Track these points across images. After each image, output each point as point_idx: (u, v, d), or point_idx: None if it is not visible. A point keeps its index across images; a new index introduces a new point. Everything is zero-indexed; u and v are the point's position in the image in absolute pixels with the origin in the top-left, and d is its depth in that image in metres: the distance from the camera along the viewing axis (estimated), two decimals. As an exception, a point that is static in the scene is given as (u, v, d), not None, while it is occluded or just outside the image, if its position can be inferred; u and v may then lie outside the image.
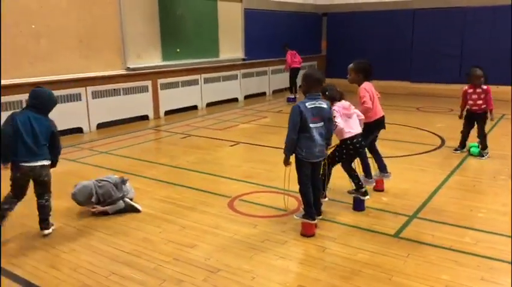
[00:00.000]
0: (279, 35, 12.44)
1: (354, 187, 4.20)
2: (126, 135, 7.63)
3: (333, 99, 4.05)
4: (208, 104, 10.52)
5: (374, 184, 4.55)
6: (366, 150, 4.46)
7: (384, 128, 4.60)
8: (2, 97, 6.45)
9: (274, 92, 12.74)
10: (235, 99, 11.40)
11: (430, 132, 7.38)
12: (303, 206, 3.73)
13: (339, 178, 4.43)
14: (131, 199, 4.24)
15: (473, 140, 5.95)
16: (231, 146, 6.83)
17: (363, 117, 4.23)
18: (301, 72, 10.45)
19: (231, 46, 11.24)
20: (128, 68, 8.52)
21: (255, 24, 11.72)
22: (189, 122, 8.79)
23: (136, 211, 4.18)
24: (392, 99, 11.16)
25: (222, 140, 7.19)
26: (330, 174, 4.23)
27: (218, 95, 10.80)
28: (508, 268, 3.13)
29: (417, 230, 3.76)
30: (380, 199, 4.44)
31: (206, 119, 9.20)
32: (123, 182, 4.23)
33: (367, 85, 4.34)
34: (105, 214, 4.10)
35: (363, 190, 4.16)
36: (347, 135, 4.03)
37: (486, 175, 5.22)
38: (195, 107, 10.18)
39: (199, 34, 10.14)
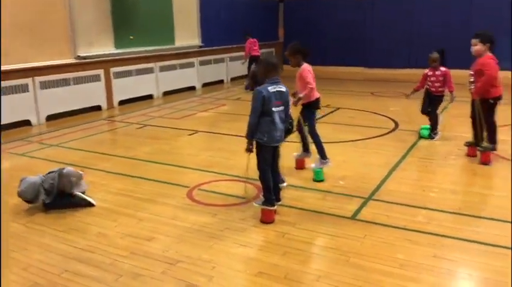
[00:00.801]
0: (236, 22, 12.31)
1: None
2: (78, 126, 7.33)
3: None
4: (165, 93, 10.29)
5: (330, 164, 4.62)
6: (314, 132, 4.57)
7: (320, 108, 4.70)
8: None
9: (233, 79, 12.64)
10: (193, 88, 11.23)
11: (384, 116, 7.56)
12: (262, 193, 3.73)
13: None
14: (83, 193, 4.08)
15: (425, 122, 6.14)
16: (189, 135, 6.73)
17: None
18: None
19: (187, 33, 11.01)
20: (79, 56, 8.16)
21: (211, 11, 11.53)
22: (145, 111, 8.57)
23: (90, 205, 4.03)
24: (347, 85, 11.39)
25: (180, 129, 7.07)
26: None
27: (175, 84, 10.57)
28: (458, 244, 3.26)
29: (373, 211, 3.85)
30: (337, 183, 4.51)
31: (163, 108, 9.01)
32: (62, 169, 4.07)
33: (307, 66, 4.48)
34: (70, 205, 3.96)
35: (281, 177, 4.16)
36: None
37: (437, 155, 5.42)
38: (150, 96, 9.93)
39: (154, 20, 9.85)
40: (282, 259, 3.11)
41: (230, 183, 4.56)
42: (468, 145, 5.27)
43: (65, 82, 7.96)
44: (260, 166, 3.66)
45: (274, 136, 3.58)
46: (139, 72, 9.58)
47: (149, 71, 9.85)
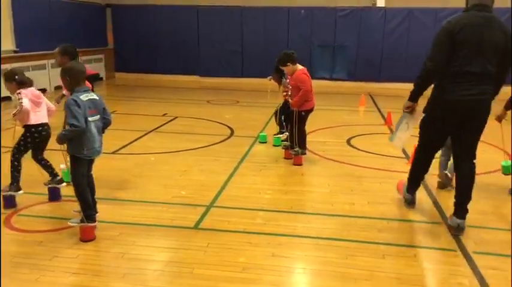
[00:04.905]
0: (58, 25, 11.27)
1: (49, 177, 4.13)
2: None
3: (22, 83, 3.90)
4: (-29, 105, 8.76)
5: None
6: None
7: None
8: None
9: (57, 88, 11.46)
10: (8, 98, 9.81)
11: (220, 123, 7.79)
12: (78, 209, 3.45)
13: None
14: None
15: (257, 129, 6.47)
16: (5, 152, 5.81)
17: (53, 109, 4.22)
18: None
19: (-3, 36, 9.60)
20: None
21: (26, 12, 10.31)
22: None
23: None
24: (184, 94, 11.44)
25: (-8, 146, 6.05)
26: (18, 165, 4.00)
27: (-17, 94, 9.08)
28: (293, 241, 3.50)
29: (215, 218, 3.88)
30: (179, 193, 4.43)
31: (-32, 122, 7.62)
32: None
33: None
34: None
35: (58, 178, 4.12)
36: (33, 122, 3.91)
37: (270, 159, 5.78)
38: (-49, 109, 8.33)
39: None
40: (121, 282, 2.88)
41: (58, 204, 4.09)
42: (285, 148, 5.79)
43: None
44: (77, 181, 3.40)
45: (95, 147, 3.40)
46: None
47: None
